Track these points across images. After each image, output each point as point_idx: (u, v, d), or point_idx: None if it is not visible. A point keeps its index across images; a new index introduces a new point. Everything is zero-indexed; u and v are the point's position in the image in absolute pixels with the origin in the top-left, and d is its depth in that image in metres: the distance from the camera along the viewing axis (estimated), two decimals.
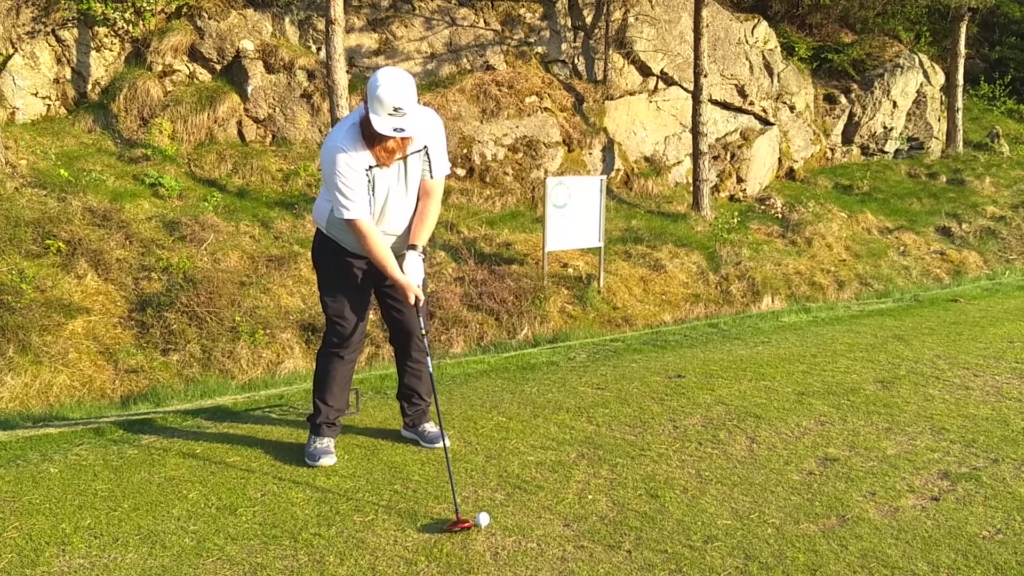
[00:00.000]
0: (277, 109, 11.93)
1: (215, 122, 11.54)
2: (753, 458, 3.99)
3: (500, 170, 12.64)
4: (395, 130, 3.46)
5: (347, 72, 11.09)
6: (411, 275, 3.72)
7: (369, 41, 12.85)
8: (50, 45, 11.22)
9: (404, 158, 3.71)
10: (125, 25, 11.42)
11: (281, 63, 12.01)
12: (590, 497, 3.56)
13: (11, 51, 10.93)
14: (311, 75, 12.07)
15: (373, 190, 3.68)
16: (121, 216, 9.47)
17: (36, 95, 11.09)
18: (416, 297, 3.80)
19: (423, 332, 3.94)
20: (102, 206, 9.52)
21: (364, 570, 2.99)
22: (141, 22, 11.51)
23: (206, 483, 3.71)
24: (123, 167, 10.56)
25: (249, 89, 11.78)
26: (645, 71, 14.64)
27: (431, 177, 3.81)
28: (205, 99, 11.59)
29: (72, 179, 9.70)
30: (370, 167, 3.63)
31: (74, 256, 8.66)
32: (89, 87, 11.42)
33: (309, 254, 10.16)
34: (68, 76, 11.36)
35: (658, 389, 5.17)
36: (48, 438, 4.64)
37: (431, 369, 3.93)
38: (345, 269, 3.90)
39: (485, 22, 13.51)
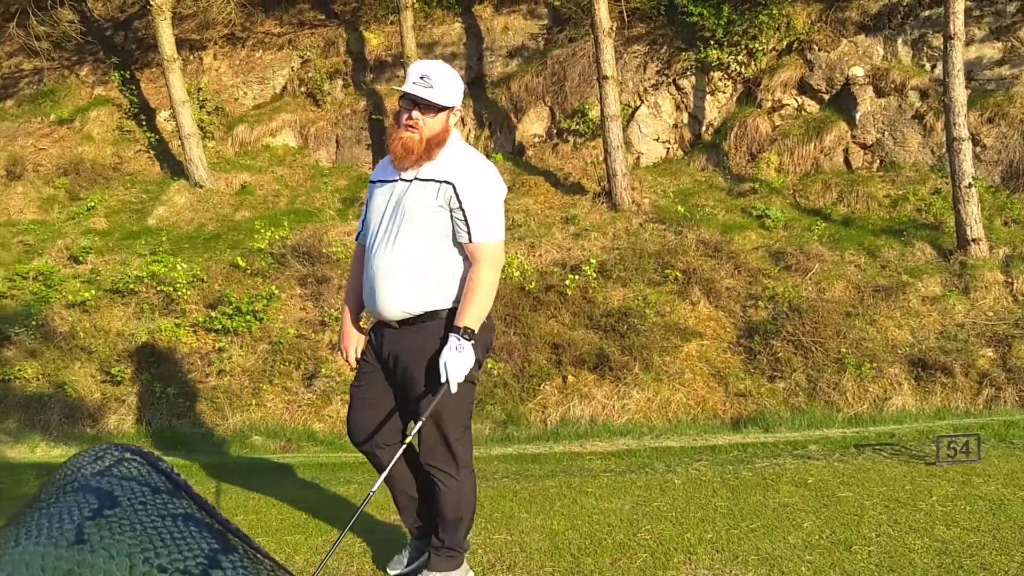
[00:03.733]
0: (886, 133, 11.41)
1: (821, 151, 11.51)
2: None
3: None
4: (414, 84, 2.89)
5: (966, 87, 10.07)
6: (448, 367, 2.81)
7: (991, 51, 11.52)
8: (670, 94, 12.44)
9: (413, 181, 2.98)
10: (738, 67, 12.11)
11: (892, 86, 11.46)
12: None
13: (638, 103, 12.42)
14: (924, 94, 11.27)
15: (368, 208, 3.15)
16: (730, 247, 10.00)
17: (657, 140, 12.39)
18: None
19: (420, 419, 2.89)
20: (713, 238, 10.17)
21: None
22: (752, 62, 12.10)
23: (820, 515, 3.65)
24: (732, 201, 11.16)
25: (857, 115, 11.49)
26: None
27: (468, 240, 2.94)
28: (812, 130, 11.64)
29: (687, 214, 10.57)
30: (376, 180, 3.13)
31: (689, 284, 9.40)
32: (703, 128, 12.36)
33: (919, 284, 9.45)
34: (685, 120, 12.46)
35: None
36: (670, 451, 5.09)
37: (394, 460, 2.87)
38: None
39: None
